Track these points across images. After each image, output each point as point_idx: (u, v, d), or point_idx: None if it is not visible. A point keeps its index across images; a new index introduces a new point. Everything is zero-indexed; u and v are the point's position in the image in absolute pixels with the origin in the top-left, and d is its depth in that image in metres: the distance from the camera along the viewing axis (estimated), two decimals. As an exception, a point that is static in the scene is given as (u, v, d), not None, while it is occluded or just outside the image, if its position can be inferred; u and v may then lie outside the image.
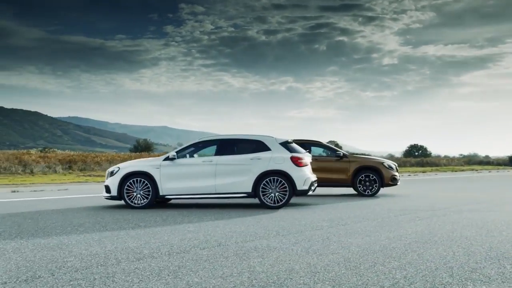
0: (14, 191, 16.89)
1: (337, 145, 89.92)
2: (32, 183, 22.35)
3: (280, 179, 10.59)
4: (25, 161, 37.12)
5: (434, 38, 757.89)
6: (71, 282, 4.31)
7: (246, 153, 10.88)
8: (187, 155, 11.12)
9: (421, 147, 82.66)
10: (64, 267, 4.90)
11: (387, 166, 14.43)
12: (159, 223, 8.12)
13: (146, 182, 10.66)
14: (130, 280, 4.37)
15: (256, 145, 10.97)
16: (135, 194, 10.66)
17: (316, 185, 11.32)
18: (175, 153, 10.89)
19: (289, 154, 10.78)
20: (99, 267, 4.89)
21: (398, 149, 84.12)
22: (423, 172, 42.52)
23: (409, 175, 34.37)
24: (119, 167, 10.95)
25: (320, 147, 15.05)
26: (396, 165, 15.03)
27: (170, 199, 11.42)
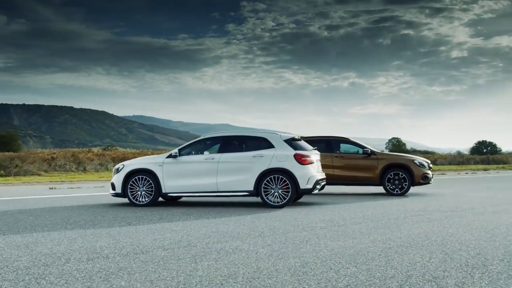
0: (52, 188, 17.43)
1: (400, 142, 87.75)
2: (77, 180, 23.06)
3: (282, 177, 10.22)
4: (79, 159, 38.48)
5: (508, 28, 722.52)
6: (-6, 283, 4.20)
7: (249, 150, 10.60)
8: (194, 153, 10.94)
9: (490, 143, 79.30)
10: (8, 266, 4.82)
11: (417, 163, 13.68)
12: (152, 222, 7.98)
13: (149, 179, 10.59)
14: (56, 283, 4.21)
15: (259, 143, 10.65)
16: (138, 192, 10.62)
17: (323, 184, 10.85)
18: (177, 151, 10.77)
19: (293, 152, 10.37)
20: (41, 267, 4.76)
21: (467, 146, 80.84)
22: (485, 170, 40.50)
23: (466, 173, 32.78)
24: (123, 165, 10.96)
25: (348, 144, 14.49)
26: (429, 162, 14.23)
27: (173, 197, 11.27)
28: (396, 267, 4.67)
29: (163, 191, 10.56)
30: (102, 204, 11.06)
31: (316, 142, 14.59)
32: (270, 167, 10.25)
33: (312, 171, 10.42)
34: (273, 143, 10.54)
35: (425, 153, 73.41)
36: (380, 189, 14.53)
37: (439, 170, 39.52)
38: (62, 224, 7.78)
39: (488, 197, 12.91)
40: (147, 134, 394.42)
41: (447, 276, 4.33)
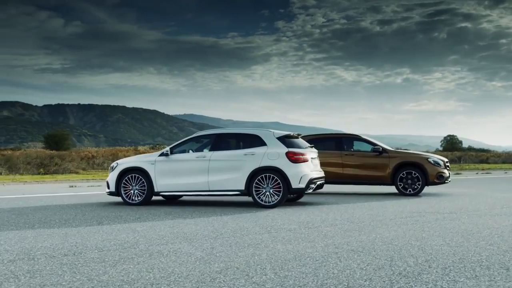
0: (72, 186, 17.74)
1: (456, 139, 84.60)
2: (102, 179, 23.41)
3: (274, 176, 9.86)
4: (118, 157, 39.31)
5: None
6: None
7: (241, 148, 10.31)
8: (188, 150, 10.75)
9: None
10: None
11: (432, 162, 12.99)
12: (123, 221, 7.83)
13: (142, 178, 10.47)
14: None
15: (252, 140, 10.33)
16: (131, 190, 10.52)
17: (319, 183, 10.41)
18: (168, 149, 10.61)
19: (285, 150, 9.99)
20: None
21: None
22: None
23: (505, 173, 31.20)
24: (117, 163, 10.90)
25: (359, 141, 13.95)
26: (445, 161, 13.48)
27: (168, 196, 11.11)
28: (318, 275, 4.29)
29: (156, 190, 10.43)
30: (96, 203, 11.05)
31: (326, 140, 14.18)
32: (261, 166, 9.92)
33: (305, 169, 10.00)
34: (265, 140, 10.21)
35: (479, 151, 70.76)
36: (393, 189, 13.90)
37: (489, 169, 37.90)
38: (31, 223, 7.75)
39: (507, 198, 12.09)
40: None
41: (365, 286, 3.92)
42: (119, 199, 11.36)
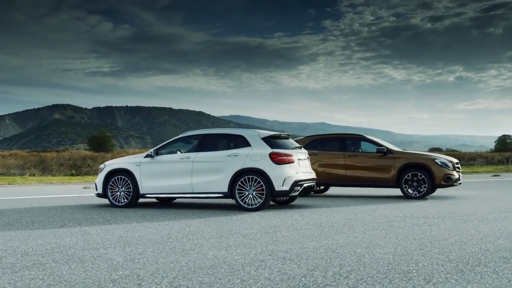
0: (86, 188, 17.97)
1: (509, 138, 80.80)
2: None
3: (257, 178, 9.56)
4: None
5: None
6: None
7: (225, 149, 10.05)
8: (176, 151, 10.61)
9: None
10: None
11: (439, 163, 12.34)
12: (86, 224, 7.73)
13: (128, 180, 10.40)
14: None
15: (237, 141, 10.07)
16: (118, 192, 10.46)
17: (306, 185, 10.01)
18: (153, 150, 10.48)
19: (269, 150, 9.67)
20: None
21: None
22: None
23: (553, 174, 29.59)
24: (105, 164, 10.87)
25: (364, 142, 13.46)
26: (455, 162, 12.79)
27: (161, 198, 11.02)
28: (213, 286, 4.01)
29: (141, 192, 10.33)
30: (85, 205, 11.04)
31: (330, 140, 13.78)
32: (244, 167, 9.65)
33: (289, 171, 9.66)
34: (249, 141, 9.93)
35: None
36: (399, 192, 13.31)
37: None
38: (10, 225, 7.78)
39: (519, 201, 11.36)
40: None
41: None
42: (107, 201, 11.33)
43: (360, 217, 8.48)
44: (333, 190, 15.31)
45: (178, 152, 10.51)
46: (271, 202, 11.11)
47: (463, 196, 13.05)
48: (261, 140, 9.88)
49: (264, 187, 9.51)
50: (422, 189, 12.26)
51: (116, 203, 10.42)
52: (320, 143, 13.64)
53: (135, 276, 4.34)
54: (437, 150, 65.36)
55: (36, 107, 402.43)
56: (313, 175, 10.55)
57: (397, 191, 13.89)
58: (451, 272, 4.45)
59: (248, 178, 9.60)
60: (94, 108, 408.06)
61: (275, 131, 10.75)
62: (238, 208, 9.83)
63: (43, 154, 38.70)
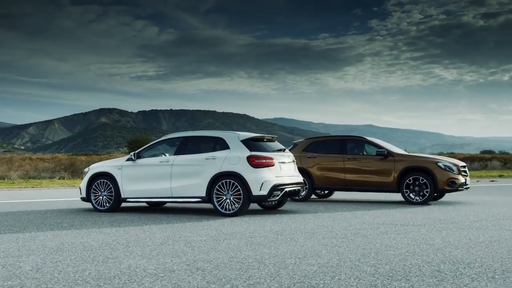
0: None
1: None
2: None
3: (234, 182, 9.29)
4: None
5: None
6: None
7: (205, 152, 9.82)
8: (161, 154, 10.47)
9: None
10: None
11: (442, 166, 11.74)
12: (50, 229, 7.67)
13: (110, 184, 10.33)
14: None
15: (216, 143, 9.83)
16: (100, 196, 10.41)
17: (288, 189, 9.65)
18: (134, 153, 10.36)
19: (247, 153, 9.38)
20: None
21: None
22: None
23: None
24: (89, 168, 10.85)
25: (365, 144, 12.97)
26: (460, 165, 12.13)
27: (155, 203, 10.91)
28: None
29: (122, 196, 10.23)
30: (69, 209, 11.04)
31: (330, 142, 13.38)
32: (221, 171, 9.40)
33: (268, 175, 9.35)
34: (229, 143, 9.69)
35: None
36: (399, 197, 12.69)
37: None
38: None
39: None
40: (287, 136, 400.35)
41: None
42: (89, 205, 11.31)
43: (332, 224, 8.10)
44: (338, 195, 14.87)
45: (162, 155, 10.37)
46: (259, 207, 10.85)
47: (471, 201, 12.40)
48: (240, 143, 9.62)
49: (241, 192, 9.25)
50: (424, 194, 11.69)
51: (99, 207, 10.37)
52: (321, 146, 13.25)
53: (26, 286, 4.18)
54: (490, 152, 63.07)
55: (83, 111, 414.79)
56: (298, 179, 10.20)
57: (397, 196, 13.33)
58: (360, 287, 4.09)
59: (226, 182, 9.35)
60: (139, 112, 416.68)
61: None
62: (216, 213, 9.60)
63: (74, 158, 39.56)
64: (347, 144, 12.98)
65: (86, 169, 10.92)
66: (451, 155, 51.91)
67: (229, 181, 9.33)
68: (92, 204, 10.49)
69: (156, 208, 11.11)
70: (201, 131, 10.54)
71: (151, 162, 10.16)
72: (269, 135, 10.41)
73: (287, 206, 11.35)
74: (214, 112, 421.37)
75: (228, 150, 9.59)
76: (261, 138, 10.07)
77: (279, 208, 10.74)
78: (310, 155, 13.02)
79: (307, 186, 12.85)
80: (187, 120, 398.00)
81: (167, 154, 10.39)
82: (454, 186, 11.71)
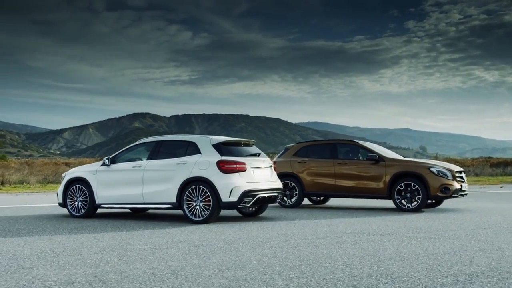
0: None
1: None
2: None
3: (204, 188, 9.08)
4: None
5: None
6: None
7: (177, 156, 9.63)
8: (137, 159, 10.35)
9: None
10: None
11: (435, 171, 11.25)
12: (8, 235, 7.63)
13: (85, 189, 10.25)
14: None
15: (188, 148, 9.63)
16: (76, 202, 10.34)
17: (261, 196, 9.37)
18: (106, 158, 10.26)
19: (217, 158, 9.16)
20: None
21: None
22: None
23: None
24: (66, 173, 10.81)
25: (357, 148, 12.57)
26: (455, 170, 11.61)
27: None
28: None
29: (97, 201, 10.14)
30: (45, 215, 11.00)
31: (321, 147, 13.06)
32: (191, 176, 9.21)
33: (238, 181, 9.10)
34: (200, 148, 9.49)
35: None
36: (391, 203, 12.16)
37: None
38: None
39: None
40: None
41: None
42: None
43: (295, 233, 7.81)
44: (334, 202, 14.50)
45: (138, 160, 10.25)
46: (239, 214, 10.62)
47: (469, 208, 11.87)
48: (212, 147, 9.41)
49: (211, 198, 9.03)
50: (416, 201, 11.23)
51: (74, 213, 10.30)
52: (311, 150, 12.92)
53: None
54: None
55: (117, 116, 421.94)
56: (275, 184, 9.92)
57: (389, 203, 12.87)
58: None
59: (196, 188, 9.16)
60: (172, 116, 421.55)
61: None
62: (186, 220, 9.40)
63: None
64: (338, 149, 12.62)
65: (63, 174, 10.89)
66: (489, 159, 50.23)
67: (198, 187, 9.13)
68: (68, 210, 10.44)
69: (140, 215, 10.98)
70: (175, 135, 10.37)
71: (124, 167, 10.05)
72: (246, 139, 10.17)
73: (269, 212, 11.08)
74: (247, 116, 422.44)
75: (199, 154, 9.39)
76: (235, 142, 9.84)
77: (260, 215, 10.48)
78: (301, 160, 12.71)
79: (297, 192, 12.56)
80: (220, 124, 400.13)
81: (143, 159, 10.26)
82: (448, 193, 11.21)
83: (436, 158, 54.14)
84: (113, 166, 10.16)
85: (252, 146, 10.18)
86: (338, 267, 5.14)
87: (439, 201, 12.19)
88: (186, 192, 9.20)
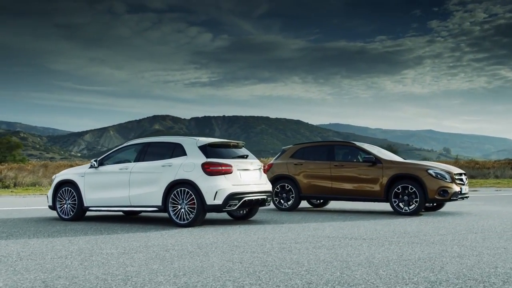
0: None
1: None
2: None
3: (189, 191, 8.96)
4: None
5: None
6: None
7: (163, 158, 9.52)
8: (126, 161, 10.29)
9: None
10: None
11: (433, 174, 10.96)
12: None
13: (74, 192, 10.22)
14: None
15: (174, 149, 9.51)
16: (65, 205, 10.31)
17: (248, 199, 9.21)
18: (93, 161, 10.21)
19: (203, 160, 9.03)
20: None
21: None
22: None
23: None
24: (56, 175, 10.79)
25: (353, 149, 12.34)
26: (455, 173, 11.29)
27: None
28: None
29: (85, 204, 10.09)
30: (34, 218, 11.00)
31: (318, 148, 12.88)
32: (176, 179, 9.10)
33: (224, 183, 8.96)
34: (186, 149, 9.38)
35: None
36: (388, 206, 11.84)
37: None
38: None
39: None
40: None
41: None
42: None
43: (274, 237, 7.64)
44: (334, 204, 14.26)
45: (130, 162, 10.18)
46: (229, 217, 10.49)
47: (470, 212, 11.56)
48: (198, 149, 9.29)
49: (195, 201, 8.92)
50: (413, 204, 10.96)
51: (64, 216, 10.27)
52: (309, 152, 12.72)
53: None
54: None
55: (137, 119, 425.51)
56: (264, 187, 9.76)
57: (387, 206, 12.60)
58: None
59: (181, 191, 9.05)
60: (192, 118, 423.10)
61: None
62: (172, 223, 9.30)
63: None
64: (335, 150, 12.39)
65: (53, 176, 10.88)
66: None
67: (184, 190, 9.02)
68: (58, 213, 10.42)
69: (133, 217, 10.91)
70: (162, 137, 10.28)
71: (112, 169, 9.99)
72: (235, 141, 10.03)
73: (263, 216, 10.91)
74: (267, 118, 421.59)
75: (185, 156, 9.29)
76: (223, 143, 9.71)
77: (251, 218, 10.33)
78: (297, 162, 12.52)
79: (293, 195, 12.37)
80: (240, 126, 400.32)
81: (131, 161, 10.19)
82: (446, 196, 10.91)
83: (456, 160, 53.36)
84: (101, 168, 10.11)
85: (241, 148, 10.04)
86: (299, 274, 4.97)
87: (440, 204, 11.91)
88: (172, 195, 9.10)
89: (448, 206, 12.79)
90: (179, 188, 9.06)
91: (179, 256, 6.01)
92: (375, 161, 11.53)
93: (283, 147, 13.61)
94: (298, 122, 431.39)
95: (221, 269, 5.20)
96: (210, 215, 10.80)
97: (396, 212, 11.15)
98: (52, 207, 10.54)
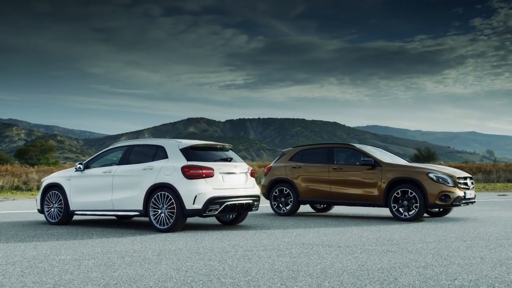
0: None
1: None
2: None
3: (169, 195, 8.81)
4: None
5: None
6: None
7: (146, 161, 9.38)
8: (113, 164, 10.21)
9: None
10: None
11: (434, 178, 10.52)
12: None
13: (60, 195, 10.21)
14: None
15: (157, 152, 9.37)
16: (52, 208, 10.31)
17: (230, 203, 8.97)
18: (78, 164, 10.17)
19: (183, 163, 8.86)
20: None
21: None
22: None
23: None
24: (44, 179, 10.81)
25: (352, 152, 11.97)
26: (458, 176, 10.81)
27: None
28: None
29: (71, 208, 10.06)
30: (22, 222, 11.04)
31: (318, 151, 12.55)
32: (156, 182, 8.96)
33: (204, 187, 8.77)
34: (168, 152, 9.24)
35: None
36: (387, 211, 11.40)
37: None
38: None
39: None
40: (380, 145, 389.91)
41: None
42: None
43: (247, 244, 7.41)
44: (338, 209, 13.90)
45: (113, 165, 10.11)
46: (218, 222, 10.31)
47: (473, 218, 11.09)
48: (179, 152, 9.13)
49: (175, 205, 8.76)
50: (413, 209, 10.55)
51: (51, 220, 10.28)
52: (307, 155, 12.42)
53: None
54: None
55: (172, 121, 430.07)
56: (250, 191, 9.52)
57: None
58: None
59: (161, 195, 8.91)
60: (227, 121, 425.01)
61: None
62: (152, 228, 9.17)
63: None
64: (335, 153, 12.05)
65: (42, 180, 10.91)
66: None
67: (164, 194, 8.88)
68: (45, 217, 10.43)
69: (124, 221, 10.86)
70: (145, 139, 10.18)
71: (96, 172, 9.94)
72: (221, 143, 9.84)
73: (255, 221, 10.69)
74: (303, 120, 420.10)
75: (166, 159, 9.15)
76: (207, 146, 9.53)
77: (240, 224, 10.12)
78: (296, 165, 12.24)
79: (292, 199, 12.10)
80: (275, 129, 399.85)
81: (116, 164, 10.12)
82: (448, 201, 10.45)
83: (495, 163, 51.96)
84: (86, 171, 10.08)
85: (228, 150, 9.85)
86: (237, 284, 4.74)
87: (447, 209, 11.45)
88: (152, 199, 8.97)
89: (456, 212, 12.31)
90: (159, 192, 8.92)
91: (129, 263, 5.85)
92: (374, 164, 11.16)
93: (283, 150, 13.34)
94: (335, 124, 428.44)
95: (159, 279, 5.01)
96: (199, 220, 10.66)
97: (396, 218, 10.76)
98: (41, 211, 10.56)
